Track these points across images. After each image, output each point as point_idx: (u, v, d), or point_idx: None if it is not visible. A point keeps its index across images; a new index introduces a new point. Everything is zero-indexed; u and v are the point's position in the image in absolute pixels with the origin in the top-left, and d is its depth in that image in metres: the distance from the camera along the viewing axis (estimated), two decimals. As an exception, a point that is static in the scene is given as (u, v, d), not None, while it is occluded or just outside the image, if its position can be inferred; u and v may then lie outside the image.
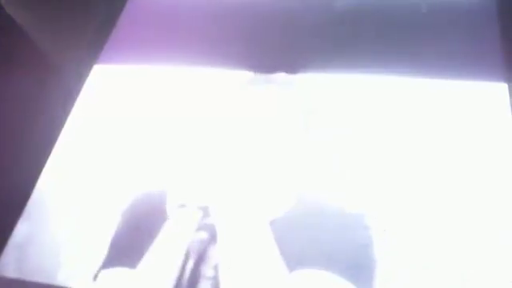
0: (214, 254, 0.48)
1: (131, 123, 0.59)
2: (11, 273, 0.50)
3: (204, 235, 0.49)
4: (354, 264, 0.45)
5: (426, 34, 0.59)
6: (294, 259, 0.46)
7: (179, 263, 0.48)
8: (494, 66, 0.55)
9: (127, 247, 0.50)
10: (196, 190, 0.52)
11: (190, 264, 0.48)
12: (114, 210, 0.53)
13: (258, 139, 0.55)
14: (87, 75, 0.63)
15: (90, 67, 0.64)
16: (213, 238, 0.49)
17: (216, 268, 0.47)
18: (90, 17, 0.69)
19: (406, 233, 0.47)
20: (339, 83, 0.57)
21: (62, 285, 0.49)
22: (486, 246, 0.45)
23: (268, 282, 0.46)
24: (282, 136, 0.55)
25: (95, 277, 0.48)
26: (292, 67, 0.59)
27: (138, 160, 0.56)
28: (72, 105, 0.61)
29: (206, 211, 0.50)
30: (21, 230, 0.53)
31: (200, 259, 0.48)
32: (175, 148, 0.56)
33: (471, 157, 0.50)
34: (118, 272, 0.48)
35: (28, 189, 0.55)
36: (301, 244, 0.47)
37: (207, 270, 0.47)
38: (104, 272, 0.49)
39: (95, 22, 0.69)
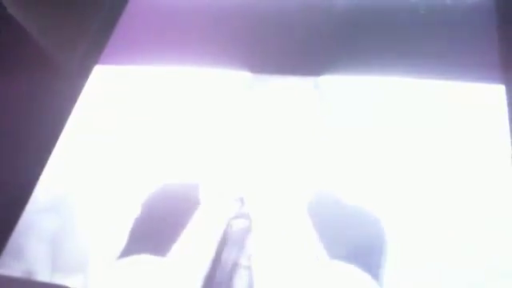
0: (250, 244, 0.48)
1: (132, 123, 0.59)
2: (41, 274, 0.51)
3: (240, 224, 0.49)
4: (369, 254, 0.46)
5: (424, 35, 0.59)
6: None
7: (214, 251, 0.48)
8: (491, 68, 0.55)
9: (155, 237, 0.50)
10: (227, 181, 0.52)
11: (226, 253, 0.48)
12: (122, 206, 0.53)
13: (264, 136, 0.55)
14: (88, 76, 0.64)
15: (91, 68, 0.64)
16: (249, 227, 0.49)
17: (251, 257, 0.48)
18: (92, 17, 0.69)
19: (404, 231, 0.47)
20: (338, 83, 0.58)
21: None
22: (483, 245, 0.46)
23: (302, 274, 0.46)
24: (294, 134, 0.55)
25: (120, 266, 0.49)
26: (292, 68, 0.59)
27: (141, 157, 0.56)
28: (73, 105, 0.61)
29: (241, 201, 0.51)
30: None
31: (236, 248, 0.48)
32: (177, 145, 0.56)
33: (468, 158, 0.51)
34: (148, 260, 0.49)
35: (30, 188, 0.56)
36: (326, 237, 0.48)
37: (242, 259, 0.48)
38: (130, 260, 0.49)
39: (96, 22, 0.69)
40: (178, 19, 0.67)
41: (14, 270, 0.51)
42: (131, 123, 0.59)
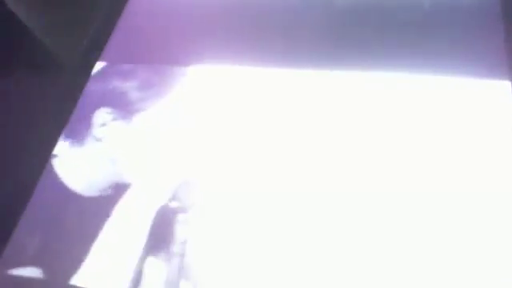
0: (184, 231, 0.49)
1: (133, 121, 0.59)
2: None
3: (178, 211, 0.50)
4: None
5: (430, 31, 0.59)
6: None
7: (146, 236, 0.49)
8: (497, 64, 0.55)
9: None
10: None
11: (159, 238, 0.49)
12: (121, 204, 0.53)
13: (262, 134, 0.55)
14: (90, 72, 0.63)
15: (92, 64, 0.64)
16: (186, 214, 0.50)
17: (184, 245, 0.48)
18: (93, 14, 0.69)
19: (408, 231, 0.47)
20: (340, 80, 0.57)
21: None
22: (486, 244, 0.45)
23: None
24: (288, 130, 0.55)
25: None
26: (293, 64, 0.59)
27: (141, 157, 0.56)
28: (75, 102, 0.61)
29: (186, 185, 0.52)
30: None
31: (169, 234, 0.49)
32: (176, 144, 0.56)
33: (475, 154, 0.50)
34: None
35: (30, 186, 0.55)
36: None
37: (175, 246, 0.48)
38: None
39: (98, 19, 0.69)
40: (179, 16, 0.67)
41: (16, 268, 0.51)
42: (132, 120, 0.59)
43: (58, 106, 0.61)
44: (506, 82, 0.54)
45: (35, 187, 0.55)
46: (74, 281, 0.48)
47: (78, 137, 0.58)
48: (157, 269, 0.48)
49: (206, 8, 0.67)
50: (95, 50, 0.65)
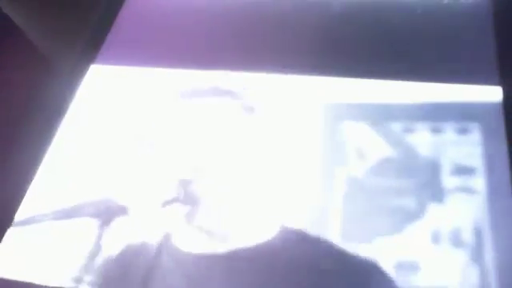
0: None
1: (127, 125, 0.59)
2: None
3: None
4: None
5: (420, 36, 0.59)
6: None
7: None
8: (488, 69, 0.55)
9: None
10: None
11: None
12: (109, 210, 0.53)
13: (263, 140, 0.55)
14: (83, 75, 0.63)
15: (86, 67, 0.64)
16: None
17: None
18: (88, 16, 0.69)
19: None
20: (334, 85, 0.57)
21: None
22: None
23: None
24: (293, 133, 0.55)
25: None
26: (290, 68, 0.59)
27: (132, 161, 0.56)
28: (68, 105, 0.61)
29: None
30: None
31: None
32: (171, 149, 0.56)
33: (466, 160, 0.50)
34: None
35: (23, 188, 0.55)
36: None
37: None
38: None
39: (92, 21, 0.69)
40: (175, 19, 0.67)
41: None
42: (126, 123, 0.59)
43: (50, 108, 0.61)
44: (496, 88, 0.54)
45: (27, 188, 0.55)
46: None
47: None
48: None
49: (203, 10, 0.67)
50: (90, 52, 0.65)
